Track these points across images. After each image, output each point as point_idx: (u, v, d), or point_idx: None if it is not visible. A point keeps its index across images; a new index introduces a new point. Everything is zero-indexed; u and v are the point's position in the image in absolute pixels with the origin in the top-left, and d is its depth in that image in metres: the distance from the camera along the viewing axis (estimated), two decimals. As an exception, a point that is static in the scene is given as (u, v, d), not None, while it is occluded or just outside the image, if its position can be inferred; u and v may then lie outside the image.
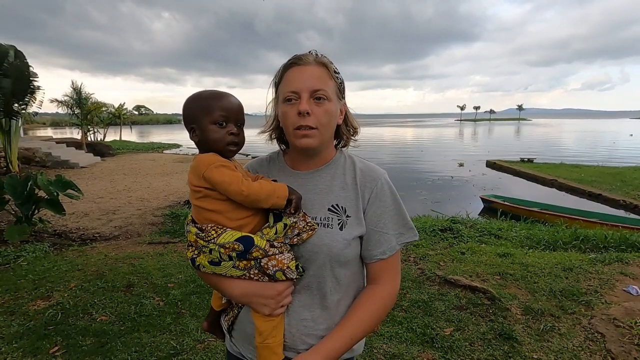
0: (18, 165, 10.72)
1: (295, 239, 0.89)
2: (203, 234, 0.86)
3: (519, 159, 17.89)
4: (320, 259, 0.90)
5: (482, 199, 9.84)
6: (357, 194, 0.95)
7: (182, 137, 32.15)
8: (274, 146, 1.08)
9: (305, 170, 0.99)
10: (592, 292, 3.04)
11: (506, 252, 4.06)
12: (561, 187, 12.15)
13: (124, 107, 30.43)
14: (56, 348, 2.40)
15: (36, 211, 4.96)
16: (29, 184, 4.71)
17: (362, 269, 1.01)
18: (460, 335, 2.49)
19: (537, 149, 25.87)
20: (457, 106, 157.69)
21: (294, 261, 0.88)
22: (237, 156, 0.97)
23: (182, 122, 0.94)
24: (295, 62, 0.91)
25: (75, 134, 24.19)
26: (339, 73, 0.95)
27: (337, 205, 0.94)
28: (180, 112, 0.94)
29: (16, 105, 9.54)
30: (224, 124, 0.89)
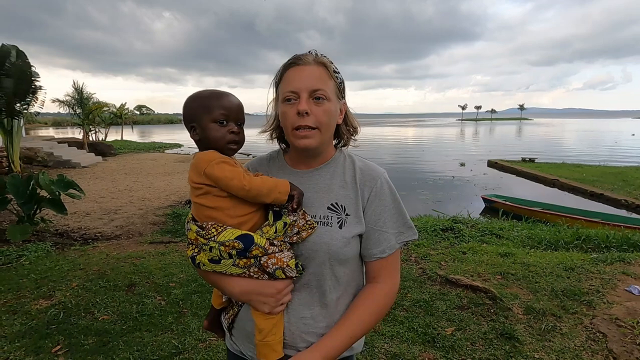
0: (20, 165, 10.74)
1: (295, 238, 0.89)
2: (203, 232, 0.87)
3: (521, 159, 17.86)
4: (319, 257, 0.90)
5: (483, 198, 9.83)
6: (357, 193, 0.95)
7: (183, 136, 32.21)
8: (275, 146, 1.08)
9: (305, 169, 1.00)
10: (594, 292, 3.03)
11: (507, 251, 4.05)
12: (563, 187, 12.12)
13: (126, 107, 30.49)
14: (58, 347, 2.41)
15: (38, 211, 4.98)
16: (31, 183, 4.73)
17: (361, 267, 1.01)
18: (462, 335, 2.49)
19: (538, 149, 25.82)
20: (458, 106, 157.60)
21: (294, 259, 0.89)
22: (238, 156, 0.98)
23: (183, 122, 0.94)
24: (294, 62, 0.92)
25: (77, 134, 24.26)
26: (338, 73, 0.95)
27: (336, 203, 0.94)
28: (181, 111, 0.95)
29: (18, 105, 9.56)
30: (225, 122, 0.89)
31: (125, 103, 30.34)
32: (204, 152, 0.89)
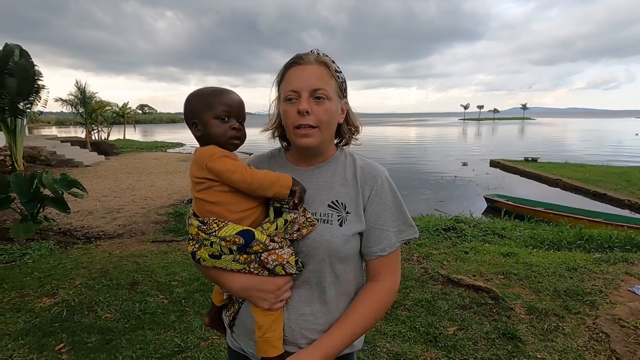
0: (23, 164, 10.80)
1: (295, 235, 0.90)
2: (205, 227, 0.87)
3: (523, 159, 17.81)
4: (319, 254, 0.91)
5: (485, 198, 9.81)
6: (358, 191, 0.95)
7: (185, 136, 32.27)
8: (277, 144, 1.09)
9: (306, 167, 1.00)
10: (597, 292, 3.02)
11: (510, 251, 4.04)
12: (565, 187, 12.07)
13: (128, 106, 30.58)
14: (62, 345, 2.43)
15: (41, 209, 5.01)
16: (35, 182, 4.76)
17: (361, 265, 1.02)
18: (464, 335, 2.48)
19: (541, 149, 25.72)
20: (461, 105, 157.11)
21: (294, 256, 0.89)
22: (239, 155, 0.98)
23: (184, 119, 0.95)
24: (296, 61, 0.92)
25: (80, 133, 24.33)
26: (340, 72, 0.96)
27: (337, 201, 0.94)
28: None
29: (21, 104, 9.61)
30: (226, 118, 0.90)
31: (128, 102, 30.49)
32: (206, 147, 0.90)
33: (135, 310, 2.86)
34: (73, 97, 19.27)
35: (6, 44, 8.75)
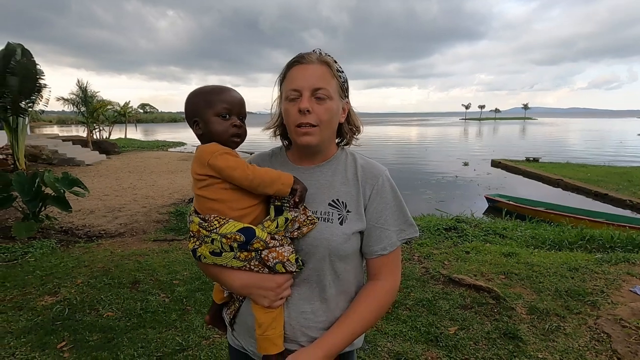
0: (25, 163, 10.83)
1: (296, 233, 0.90)
2: (206, 224, 0.87)
3: (525, 159, 17.78)
4: (319, 252, 0.91)
5: (486, 198, 9.79)
6: (359, 190, 0.96)
7: (186, 135, 32.30)
8: (278, 143, 1.10)
9: (307, 165, 1.01)
10: (598, 292, 3.02)
11: (511, 251, 4.04)
12: (567, 187, 12.04)
13: (129, 105, 30.60)
14: (63, 343, 2.43)
15: (43, 208, 5.02)
16: (36, 181, 4.77)
17: (361, 263, 1.02)
18: (465, 334, 2.48)
19: (542, 149, 25.67)
20: (462, 105, 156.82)
21: (294, 254, 0.89)
22: (241, 155, 0.98)
23: (185, 118, 0.95)
24: (298, 60, 0.93)
25: (81, 132, 24.39)
26: (342, 72, 0.96)
27: (337, 200, 0.95)
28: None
29: (23, 103, 9.63)
30: (227, 116, 0.91)
31: (129, 101, 30.47)
32: (207, 144, 0.90)
33: (137, 309, 2.86)
34: (75, 96, 19.29)
35: (8, 43, 8.78)
